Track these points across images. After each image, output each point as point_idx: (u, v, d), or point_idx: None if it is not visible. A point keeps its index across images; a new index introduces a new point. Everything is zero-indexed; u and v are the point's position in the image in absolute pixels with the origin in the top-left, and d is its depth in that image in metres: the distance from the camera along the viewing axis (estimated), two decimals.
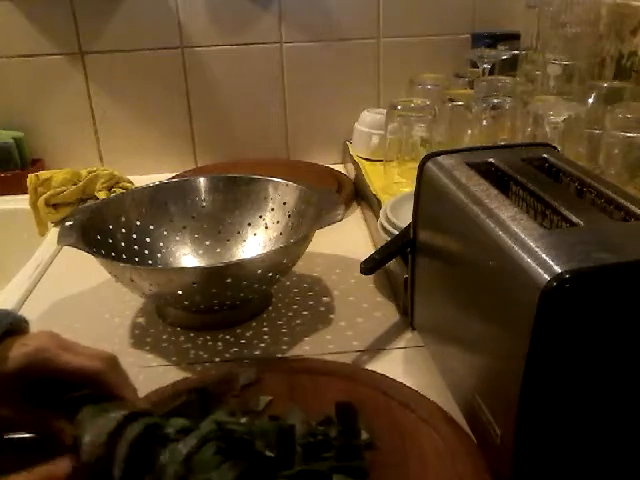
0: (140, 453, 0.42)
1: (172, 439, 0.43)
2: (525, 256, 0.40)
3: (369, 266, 0.66)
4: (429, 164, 0.58)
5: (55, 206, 1.03)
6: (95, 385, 0.46)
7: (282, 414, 0.53)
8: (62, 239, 0.70)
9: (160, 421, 0.44)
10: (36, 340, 0.46)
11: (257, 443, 0.45)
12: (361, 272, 0.66)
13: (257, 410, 0.55)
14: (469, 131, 0.91)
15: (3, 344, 0.45)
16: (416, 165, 0.59)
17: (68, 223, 0.72)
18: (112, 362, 0.47)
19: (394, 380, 0.60)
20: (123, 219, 0.79)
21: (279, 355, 0.68)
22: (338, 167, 1.21)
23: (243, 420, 0.51)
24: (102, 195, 1.04)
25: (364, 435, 0.52)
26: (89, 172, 1.07)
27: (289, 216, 0.81)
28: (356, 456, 0.49)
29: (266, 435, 0.47)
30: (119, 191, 1.05)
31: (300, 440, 0.48)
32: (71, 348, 0.46)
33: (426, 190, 0.59)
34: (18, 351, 0.44)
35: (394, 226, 0.75)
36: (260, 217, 0.83)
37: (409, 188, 0.86)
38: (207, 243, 0.84)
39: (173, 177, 1.09)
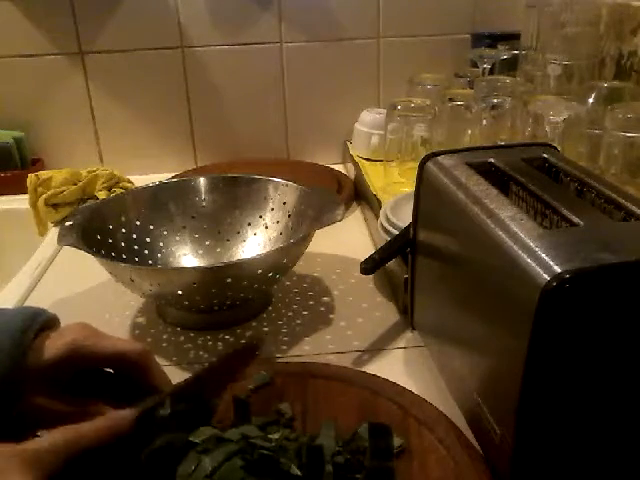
0: (159, 463, 0.42)
1: (196, 450, 0.43)
2: (525, 256, 0.40)
3: (369, 266, 0.65)
4: (429, 164, 0.58)
5: (55, 206, 1.03)
6: (135, 369, 0.47)
7: (314, 427, 0.52)
8: (62, 239, 0.69)
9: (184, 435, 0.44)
10: (72, 330, 0.47)
11: (282, 460, 0.44)
12: (361, 272, 0.66)
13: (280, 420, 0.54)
14: (469, 131, 0.91)
15: (39, 338, 0.46)
16: (416, 165, 0.59)
17: (68, 223, 0.72)
18: (146, 350, 0.49)
19: (412, 392, 0.58)
20: (123, 219, 0.79)
21: (278, 355, 0.68)
22: (338, 167, 1.21)
23: (277, 435, 0.49)
24: (102, 195, 1.04)
25: (397, 441, 0.50)
26: (89, 172, 1.07)
27: (289, 216, 0.81)
28: (387, 478, 0.47)
29: (297, 453, 0.46)
30: (119, 191, 1.05)
31: (331, 459, 0.47)
32: (106, 336, 0.48)
33: (426, 190, 0.59)
34: (56, 342, 0.46)
35: (394, 226, 0.75)
36: (260, 217, 0.83)
37: (409, 188, 0.86)
38: (207, 243, 0.84)
39: (173, 177, 1.09)
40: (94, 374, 0.49)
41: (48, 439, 0.39)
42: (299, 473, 0.44)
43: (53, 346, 0.45)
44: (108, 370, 0.49)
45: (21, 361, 0.44)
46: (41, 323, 0.47)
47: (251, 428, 0.48)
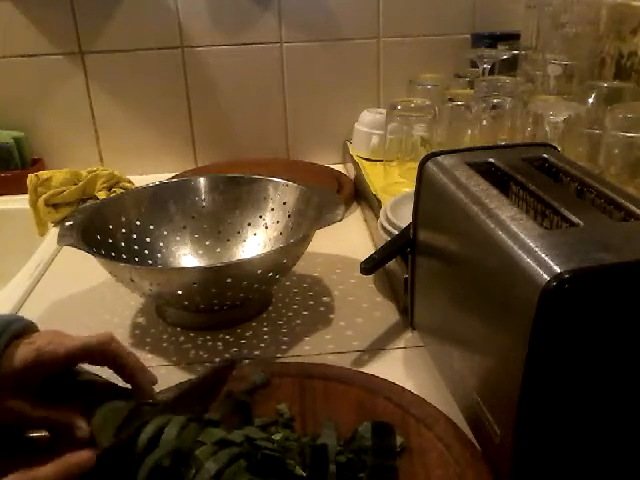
0: (163, 474, 0.42)
1: (199, 461, 0.43)
2: (525, 256, 0.40)
3: (369, 266, 0.65)
4: (429, 164, 0.58)
5: (55, 206, 1.03)
6: (102, 358, 0.48)
7: (313, 428, 0.52)
8: (62, 239, 0.69)
9: (191, 443, 0.44)
10: (42, 337, 0.48)
11: (288, 461, 0.44)
12: (361, 272, 0.66)
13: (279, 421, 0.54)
14: (469, 131, 0.91)
15: (12, 346, 0.46)
16: (416, 165, 0.59)
17: (68, 223, 0.72)
18: (111, 335, 0.50)
19: (411, 392, 0.58)
20: (123, 219, 0.79)
21: (278, 355, 0.68)
22: (338, 167, 1.21)
23: (278, 436, 0.49)
24: (102, 195, 1.04)
25: (398, 440, 0.50)
26: (89, 172, 1.07)
27: (289, 216, 0.81)
28: (391, 477, 0.47)
29: (300, 453, 0.46)
30: (119, 191, 1.05)
31: (333, 458, 0.47)
32: (71, 337, 0.49)
33: (426, 190, 0.59)
34: (26, 348, 0.46)
35: (394, 226, 0.75)
36: (260, 217, 0.83)
37: (409, 188, 0.86)
38: (207, 243, 0.84)
39: (173, 177, 1.09)
40: (69, 378, 0.49)
41: None
42: (303, 474, 0.44)
43: (21, 353, 0.46)
44: (83, 376, 0.50)
45: None
46: (14, 332, 0.47)
47: (254, 429, 0.48)
